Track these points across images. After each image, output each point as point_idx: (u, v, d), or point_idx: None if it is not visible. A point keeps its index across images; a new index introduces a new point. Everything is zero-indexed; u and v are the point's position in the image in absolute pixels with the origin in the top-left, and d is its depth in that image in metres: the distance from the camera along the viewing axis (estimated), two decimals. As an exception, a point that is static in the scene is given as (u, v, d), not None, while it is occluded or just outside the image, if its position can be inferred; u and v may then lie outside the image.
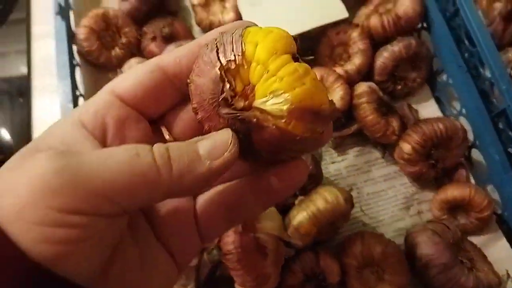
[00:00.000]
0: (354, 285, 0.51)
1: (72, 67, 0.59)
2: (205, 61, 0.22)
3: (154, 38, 0.61)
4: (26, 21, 0.69)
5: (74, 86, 0.58)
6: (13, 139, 0.63)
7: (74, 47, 0.61)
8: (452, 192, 0.55)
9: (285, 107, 0.20)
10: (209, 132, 0.23)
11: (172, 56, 0.24)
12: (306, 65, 0.22)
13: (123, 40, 0.62)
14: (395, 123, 0.58)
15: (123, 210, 0.19)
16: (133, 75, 0.24)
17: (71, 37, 0.60)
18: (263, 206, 0.26)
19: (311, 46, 0.66)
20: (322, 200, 0.49)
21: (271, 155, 0.23)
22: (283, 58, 0.21)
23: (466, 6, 0.59)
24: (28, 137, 0.63)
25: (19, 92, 0.64)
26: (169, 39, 0.61)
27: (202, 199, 0.26)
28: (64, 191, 0.17)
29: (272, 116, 0.21)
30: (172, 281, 0.25)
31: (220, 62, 0.22)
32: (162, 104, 0.25)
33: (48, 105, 0.63)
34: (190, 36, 0.64)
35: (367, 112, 0.57)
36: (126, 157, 0.19)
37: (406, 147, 0.56)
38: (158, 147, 0.20)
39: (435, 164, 0.57)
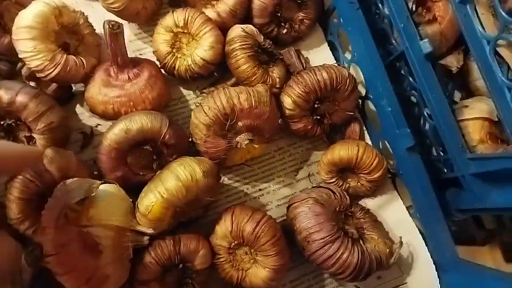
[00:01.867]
0: (226, 269, 0.44)
1: None
2: None
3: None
4: None
5: None
6: None
7: None
8: (339, 152, 0.48)
9: None
10: None
11: None
12: None
13: None
14: (276, 73, 0.49)
15: None
16: None
17: None
18: None
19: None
20: (173, 178, 0.40)
21: None
22: None
23: None
24: None
25: None
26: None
27: None
28: None
29: None
30: None
31: None
32: None
33: None
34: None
35: (240, 61, 0.47)
36: None
37: (287, 100, 0.48)
38: None
39: (321, 120, 0.49)
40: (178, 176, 0.40)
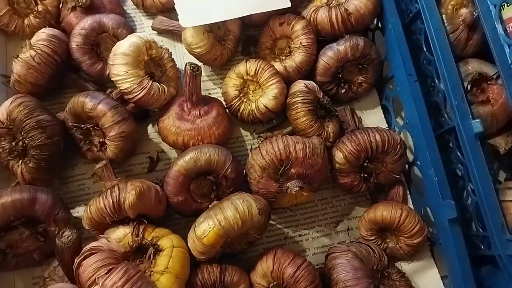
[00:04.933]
0: (261, 306, 0.46)
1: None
2: None
3: (74, 8, 0.54)
4: None
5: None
6: None
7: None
8: (382, 212, 0.50)
9: None
10: None
11: None
12: None
13: (40, 7, 0.55)
14: (331, 128, 0.53)
15: None
16: None
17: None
18: None
19: (254, 36, 0.60)
20: (232, 208, 0.43)
21: None
22: None
23: (426, 7, 0.53)
24: None
25: None
26: (89, 9, 0.54)
27: None
28: None
29: None
30: None
31: None
32: None
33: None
34: (118, 8, 0.57)
35: (299, 114, 0.51)
36: None
37: (338, 155, 0.51)
38: None
39: (367, 178, 0.51)
40: (236, 208, 0.43)
